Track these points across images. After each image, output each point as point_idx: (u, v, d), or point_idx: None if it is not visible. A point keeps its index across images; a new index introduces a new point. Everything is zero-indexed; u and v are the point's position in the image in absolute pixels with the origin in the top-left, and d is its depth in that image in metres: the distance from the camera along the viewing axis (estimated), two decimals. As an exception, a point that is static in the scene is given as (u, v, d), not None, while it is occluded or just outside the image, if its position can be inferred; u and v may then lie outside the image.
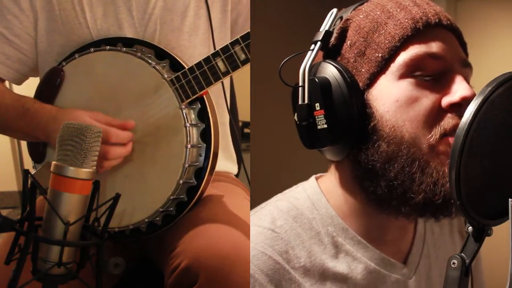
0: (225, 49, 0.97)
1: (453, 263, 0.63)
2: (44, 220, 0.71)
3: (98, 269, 0.73)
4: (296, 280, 0.75)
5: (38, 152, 1.09)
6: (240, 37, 0.95)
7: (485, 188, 0.62)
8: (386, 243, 0.80)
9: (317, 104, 0.73)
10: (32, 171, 1.08)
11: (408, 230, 0.83)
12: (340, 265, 0.77)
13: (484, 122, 0.60)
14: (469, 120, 0.59)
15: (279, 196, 0.84)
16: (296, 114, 0.76)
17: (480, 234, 0.63)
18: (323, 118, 0.73)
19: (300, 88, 0.75)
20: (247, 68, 0.97)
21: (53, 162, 0.71)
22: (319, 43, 0.76)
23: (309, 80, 0.74)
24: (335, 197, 0.80)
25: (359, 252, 0.78)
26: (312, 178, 0.85)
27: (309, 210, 0.80)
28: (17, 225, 0.70)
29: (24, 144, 2.43)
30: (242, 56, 0.96)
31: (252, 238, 0.76)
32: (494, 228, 0.64)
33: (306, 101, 0.74)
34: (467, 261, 0.63)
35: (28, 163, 1.13)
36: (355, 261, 0.78)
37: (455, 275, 0.63)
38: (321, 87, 0.73)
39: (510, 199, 0.59)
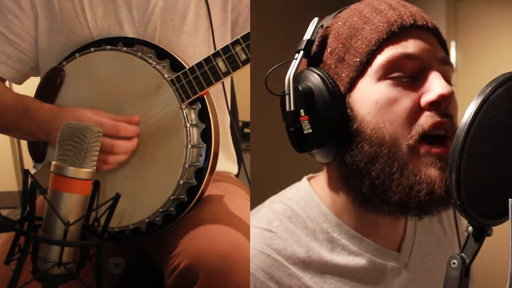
0: (226, 49, 0.97)
1: (453, 263, 0.63)
2: (44, 220, 0.71)
3: (98, 269, 0.73)
4: (296, 275, 0.77)
5: (38, 151, 1.09)
6: (241, 37, 0.96)
7: (485, 188, 0.62)
8: (379, 236, 0.82)
9: (301, 110, 0.77)
10: (32, 171, 1.08)
11: (399, 221, 0.85)
12: (337, 258, 0.79)
13: (484, 122, 0.60)
14: (469, 120, 0.59)
15: (273, 198, 0.86)
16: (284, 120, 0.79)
17: (480, 234, 0.63)
18: (307, 123, 0.77)
19: (286, 96, 0.78)
20: (247, 68, 0.97)
21: (53, 162, 0.71)
22: (301, 52, 0.79)
23: (293, 88, 0.77)
24: (328, 196, 0.83)
25: (355, 246, 0.80)
26: (304, 178, 0.87)
27: (302, 209, 0.82)
28: (17, 225, 0.70)
29: (24, 143, 2.43)
30: (243, 56, 0.96)
31: (250, 239, 0.78)
32: (494, 228, 0.64)
33: (292, 108, 0.77)
34: (467, 261, 0.63)
35: (28, 163, 1.13)
36: (351, 254, 0.80)
37: (455, 275, 0.63)
38: (304, 95, 0.76)
39: (510, 199, 0.59)
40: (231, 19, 1.15)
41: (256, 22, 1.07)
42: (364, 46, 0.75)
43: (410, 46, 0.75)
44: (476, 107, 0.60)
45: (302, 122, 0.77)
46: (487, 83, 0.61)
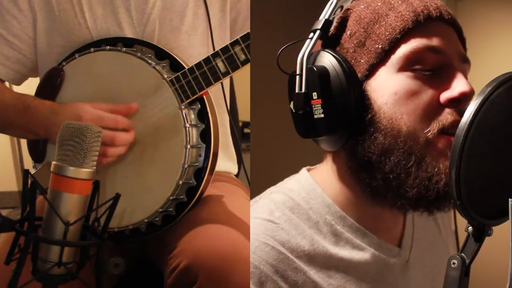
0: (225, 49, 0.96)
1: (453, 263, 0.63)
2: (44, 220, 0.71)
3: (98, 269, 0.73)
4: (301, 268, 0.75)
5: (38, 151, 1.09)
6: (240, 37, 0.95)
7: (485, 188, 0.62)
8: (381, 230, 0.81)
9: (314, 93, 0.73)
10: (32, 171, 1.08)
11: (401, 216, 0.84)
12: (342, 252, 0.78)
13: (484, 122, 0.60)
14: (469, 120, 0.59)
15: (272, 189, 0.84)
16: (292, 102, 0.75)
17: (480, 234, 0.63)
18: (320, 108, 0.73)
19: (297, 77, 0.74)
20: (247, 68, 0.97)
21: (53, 162, 0.71)
22: (318, 31, 0.75)
23: (307, 68, 0.73)
24: (331, 187, 0.80)
25: (358, 239, 0.79)
26: (304, 169, 0.85)
27: (305, 200, 0.80)
28: (17, 225, 0.70)
29: (24, 143, 2.42)
30: (242, 57, 0.96)
31: (251, 231, 0.76)
32: (494, 228, 0.64)
33: (303, 90, 0.73)
34: (467, 261, 0.63)
35: (28, 163, 1.13)
36: (355, 248, 0.78)
37: (455, 275, 0.63)
38: (319, 76, 0.72)
39: (510, 199, 0.59)
40: (230, 18, 1.15)
41: (256, 22, 1.07)
42: (387, 34, 0.73)
43: (435, 39, 0.72)
44: (476, 107, 0.60)
45: (313, 106, 0.73)
46: (487, 83, 0.61)
